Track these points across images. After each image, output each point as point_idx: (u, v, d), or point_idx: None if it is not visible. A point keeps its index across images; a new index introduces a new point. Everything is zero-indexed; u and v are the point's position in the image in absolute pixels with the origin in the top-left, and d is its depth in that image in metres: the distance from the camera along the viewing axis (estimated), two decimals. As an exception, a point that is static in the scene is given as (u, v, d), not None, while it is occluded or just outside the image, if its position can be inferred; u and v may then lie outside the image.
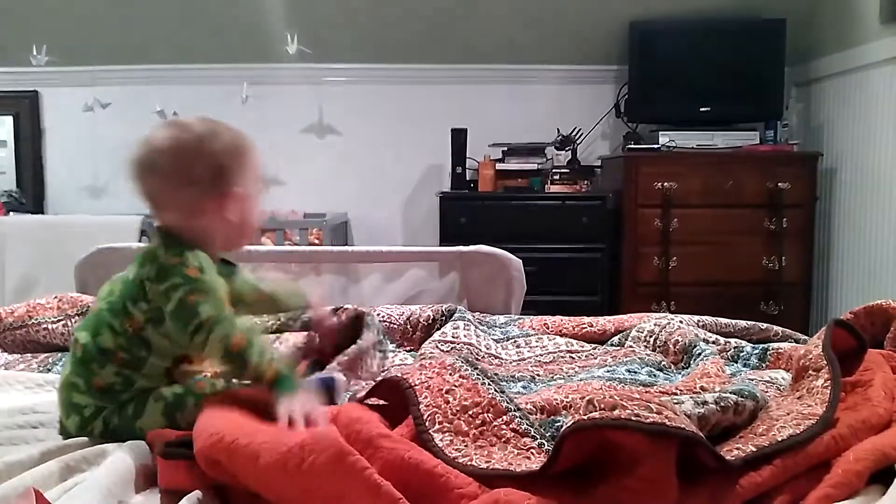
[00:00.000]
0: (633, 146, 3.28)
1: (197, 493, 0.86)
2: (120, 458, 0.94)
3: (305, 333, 1.59)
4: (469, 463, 0.85)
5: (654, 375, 1.34)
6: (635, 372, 1.34)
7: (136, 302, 1.12)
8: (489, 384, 1.01)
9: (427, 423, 0.93)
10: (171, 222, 1.18)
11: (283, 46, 3.32)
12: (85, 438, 1.07)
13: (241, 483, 0.86)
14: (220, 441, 0.85)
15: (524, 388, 1.30)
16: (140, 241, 3.07)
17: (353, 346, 1.50)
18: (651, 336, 1.56)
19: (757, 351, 1.46)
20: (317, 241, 3.27)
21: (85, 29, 3.42)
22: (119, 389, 1.11)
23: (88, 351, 1.12)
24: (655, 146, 3.20)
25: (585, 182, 3.37)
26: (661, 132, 3.22)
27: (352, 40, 3.51)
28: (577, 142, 3.45)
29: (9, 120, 3.63)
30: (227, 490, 0.89)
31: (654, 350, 1.52)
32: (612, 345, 1.62)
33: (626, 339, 1.60)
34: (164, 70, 3.59)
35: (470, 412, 0.95)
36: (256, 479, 0.83)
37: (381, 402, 1.09)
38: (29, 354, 1.58)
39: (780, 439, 0.85)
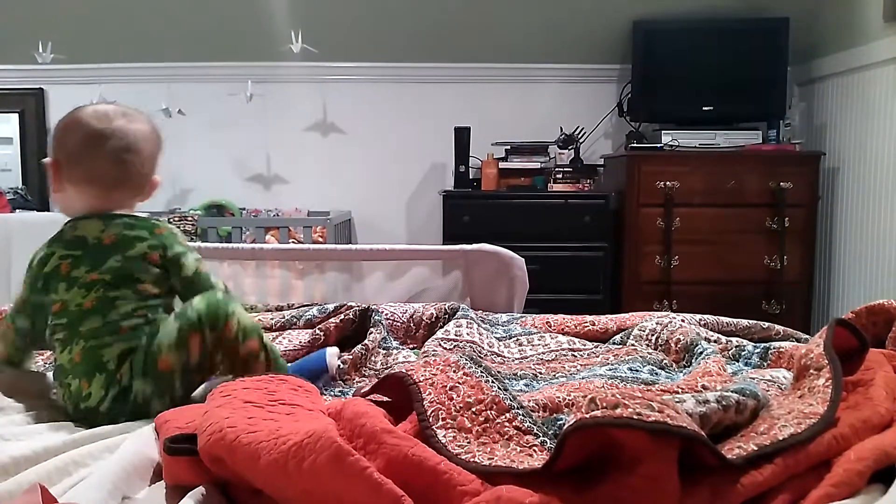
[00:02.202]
0: (635, 145, 3.28)
1: (201, 489, 0.86)
2: (126, 453, 0.95)
3: (310, 331, 1.60)
4: (472, 460, 0.86)
5: (656, 374, 1.35)
6: (637, 370, 1.35)
7: (148, 269, 1.23)
8: (493, 382, 1.01)
9: (430, 420, 0.93)
10: (121, 201, 1.29)
11: (287, 45, 3.33)
12: (91, 431, 1.08)
13: (243, 480, 0.86)
14: (221, 439, 0.86)
15: (526, 385, 1.31)
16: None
17: (358, 346, 1.51)
18: (653, 335, 1.57)
19: (758, 350, 1.46)
20: (321, 239, 3.28)
21: (90, 26, 3.43)
22: (143, 324, 1.21)
23: (106, 322, 1.19)
24: (658, 145, 3.20)
25: (588, 181, 3.37)
26: (663, 131, 3.22)
27: (356, 39, 3.52)
28: (580, 141, 3.45)
29: (14, 117, 3.64)
30: (231, 486, 0.89)
31: (655, 348, 1.52)
32: (613, 343, 1.62)
33: (627, 338, 1.61)
34: (169, 68, 3.60)
35: (473, 409, 0.95)
36: (257, 478, 0.83)
37: (385, 398, 1.09)
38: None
39: (781, 438, 0.85)
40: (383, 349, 1.58)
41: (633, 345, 1.56)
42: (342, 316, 1.66)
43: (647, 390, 1.14)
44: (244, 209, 3.67)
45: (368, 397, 1.09)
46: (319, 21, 3.40)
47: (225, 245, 2.19)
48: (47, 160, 1.27)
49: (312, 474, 0.78)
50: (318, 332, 1.58)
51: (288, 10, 3.35)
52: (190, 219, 3.24)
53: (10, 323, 1.30)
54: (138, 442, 0.99)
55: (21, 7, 3.37)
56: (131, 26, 3.44)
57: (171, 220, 3.23)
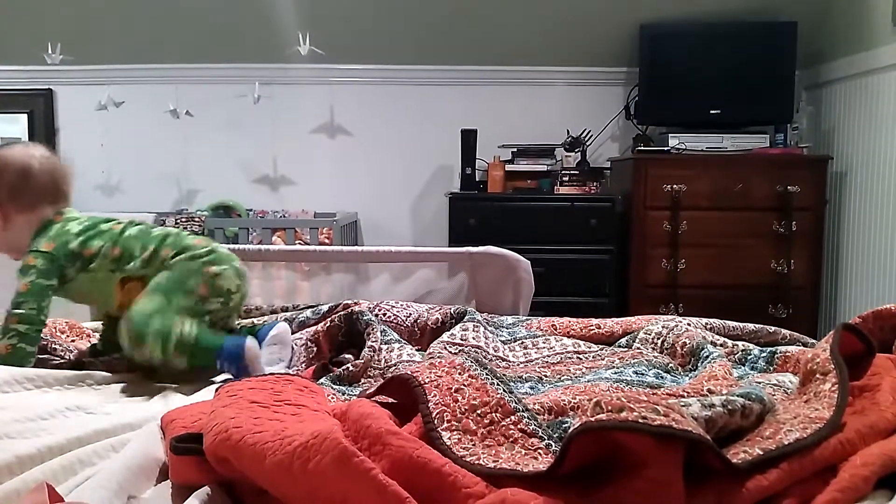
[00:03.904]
0: (642, 148, 3.28)
1: (206, 489, 0.86)
2: (132, 452, 0.95)
3: (304, 342, 1.59)
4: (477, 462, 0.86)
5: (662, 377, 1.34)
6: (643, 374, 1.34)
7: None
8: (498, 384, 1.01)
9: (435, 421, 0.93)
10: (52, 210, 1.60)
11: (294, 47, 3.34)
12: (94, 429, 1.08)
13: (249, 480, 0.87)
14: (227, 439, 0.86)
15: (532, 388, 1.30)
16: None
17: (366, 349, 1.51)
18: (659, 338, 1.56)
19: (765, 354, 1.45)
20: (327, 241, 3.29)
21: (99, 28, 3.45)
22: None
23: None
24: (665, 148, 3.19)
25: (595, 184, 3.37)
26: (670, 134, 3.22)
27: (363, 41, 3.53)
28: (587, 143, 3.45)
29: (23, 118, 3.66)
30: (237, 486, 0.90)
31: (661, 352, 1.52)
32: (619, 346, 1.62)
33: (633, 341, 1.60)
34: (177, 69, 3.61)
35: (478, 411, 0.95)
36: (263, 478, 0.84)
37: (390, 399, 1.10)
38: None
39: (786, 443, 0.85)
40: (385, 344, 1.56)
41: (638, 348, 1.55)
42: (328, 323, 1.63)
43: (653, 394, 1.13)
44: (251, 210, 3.68)
45: (374, 399, 1.09)
46: (327, 23, 3.40)
47: (231, 246, 2.19)
48: None
49: (318, 475, 0.78)
50: (311, 345, 1.58)
51: (295, 12, 3.36)
52: (197, 219, 3.25)
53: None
54: (144, 441, 1.00)
55: (30, 8, 3.39)
56: (140, 27, 3.46)
57: (179, 220, 3.24)
